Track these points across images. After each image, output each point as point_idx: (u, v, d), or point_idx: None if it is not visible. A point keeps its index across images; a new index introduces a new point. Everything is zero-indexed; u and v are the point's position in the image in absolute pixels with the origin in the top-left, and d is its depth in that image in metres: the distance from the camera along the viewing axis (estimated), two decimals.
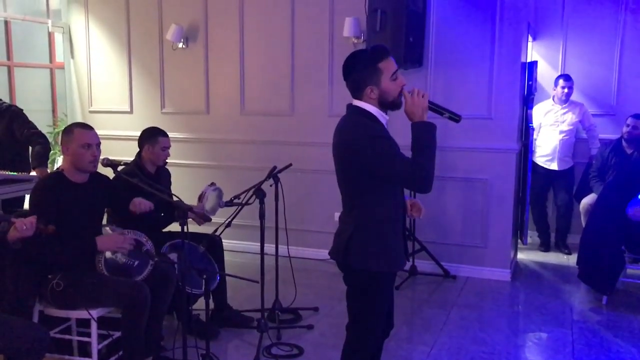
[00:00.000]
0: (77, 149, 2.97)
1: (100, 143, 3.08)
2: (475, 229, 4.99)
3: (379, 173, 2.27)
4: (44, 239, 2.60)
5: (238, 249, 5.46)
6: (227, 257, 4.17)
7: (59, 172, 3.09)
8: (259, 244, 3.65)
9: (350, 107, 2.38)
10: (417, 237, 4.99)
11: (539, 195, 5.80)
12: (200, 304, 3.48)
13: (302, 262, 5.20)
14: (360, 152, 2.26)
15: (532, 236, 6.01)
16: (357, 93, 2.34)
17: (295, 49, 5.39)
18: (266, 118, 5.57)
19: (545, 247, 5.88)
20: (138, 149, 3.85)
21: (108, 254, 3.03)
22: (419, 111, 2.27)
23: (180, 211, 2.64)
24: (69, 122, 6.47)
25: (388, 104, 2.33)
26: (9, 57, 8.54)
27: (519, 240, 5.53)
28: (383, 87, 2.28)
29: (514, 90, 4.78)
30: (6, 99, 6.51)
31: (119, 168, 3.14)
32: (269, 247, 3.87)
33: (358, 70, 2.31)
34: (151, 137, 3.79)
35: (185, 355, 2.97)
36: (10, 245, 2.47)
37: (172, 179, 4.16)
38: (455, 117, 2.35)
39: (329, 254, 2.50)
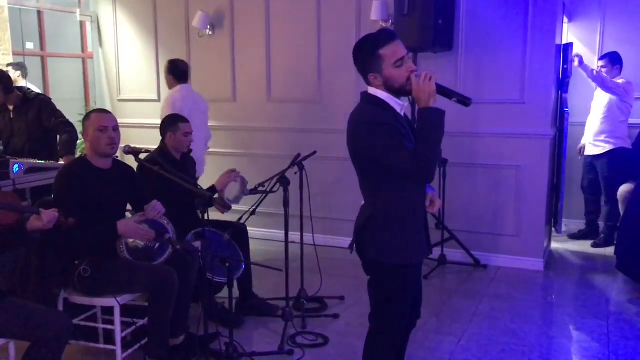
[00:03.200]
0: (94, 132, 2.99)
1: (117, 127, 3.08)
2: (507, 217, 4.85)
3: (379, 163, 2.18)
4: (64, 230, 2.60)
5: (264, 237, 5.44)
6: (253, 245, 4.15)
7: (83, 158, 3.11)
8: (285, 232, 3.61)
9: (362, 94, 2.30)
10: (447, 225, 4.88)
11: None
12: (225, 292, 3.46)
13: (329, 251, 5.14)
14: (361, 141, 2.20)
15: (568, 224, 5.82)
16: (365, 80, 2.27)
17: (322, 33, 5.30)
18: (293, 105, 5.51)
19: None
20: (161, 137, 3.84)
21: (130, 240, 3.02)
22: (425, 96, 2.14)
23: (201, 200, 2.61)
24: None
25: (395, 91, 2.23)
26: (42, 48, 8.65)
27: (553, 229, 5.36)
28: (385, 74, 2.19)
29: (548, 73, 4.61)
30: (40, 89, 6.60)
31: (142, 156, 3.12)
32: (295, 235, 3.83)
33: (360, 57, 2.24)
34: (172, 124, 3.77)
35: (208, 343, 2.97)
36: (28, 233, 2.48)
37: (197, 166, 4.14)
38: (464, 101, 2.20)
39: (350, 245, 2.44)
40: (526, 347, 3.44)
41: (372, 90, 2.26)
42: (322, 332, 3.60)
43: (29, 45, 8.55)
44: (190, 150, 3.90)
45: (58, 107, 4.61)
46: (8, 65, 6.17)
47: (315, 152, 3.90)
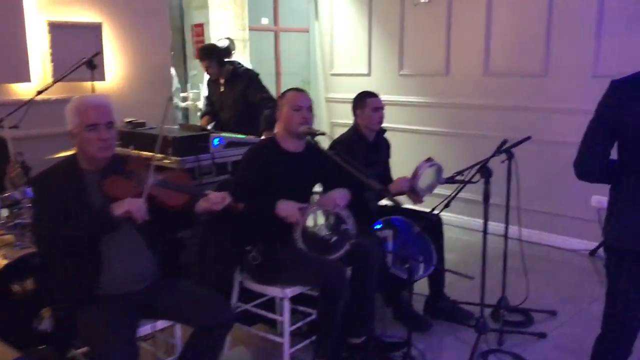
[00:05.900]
0: (288, 111, 2.84)
1: (311, 107, 2.88)
2: None
3: None
4: (235, 214, 2.46)
5: (461, 224, 4.99)
6: (450, 233, 3.70)
7: (272, 138, 2.97)
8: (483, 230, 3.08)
9: None
10: None
11: None
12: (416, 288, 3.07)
13: (545, 251, 4.43)
14: None
15: None
16: None
17: None
18: (513, 80, 4.81)
19: None
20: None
21: (310, 223, 2.78)
22: None
23: (371, 192, 2.26)
24: (312, 86, 6.57)
25: None
26: (275, 23, 9.06)
27: None
28: None
29: None
30: (272, 63, 6.79)
31: (336, 135, 2.86)
32: (498, 226, 3.28)
33: None
34: (360, 100, 3.47)
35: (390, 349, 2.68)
36: (195, 215, 2.39)
37: (400, 145, 3.79)
38: None
39: None
40: None
41: None
42: (522, 353, 3.01)
43: (264, 21, 9.02)
44: (384, 130, 3.56)
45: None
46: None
47: (528, 138, 3.24)
